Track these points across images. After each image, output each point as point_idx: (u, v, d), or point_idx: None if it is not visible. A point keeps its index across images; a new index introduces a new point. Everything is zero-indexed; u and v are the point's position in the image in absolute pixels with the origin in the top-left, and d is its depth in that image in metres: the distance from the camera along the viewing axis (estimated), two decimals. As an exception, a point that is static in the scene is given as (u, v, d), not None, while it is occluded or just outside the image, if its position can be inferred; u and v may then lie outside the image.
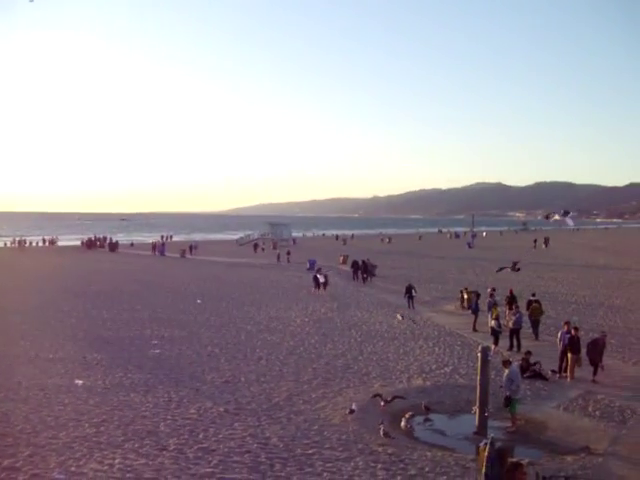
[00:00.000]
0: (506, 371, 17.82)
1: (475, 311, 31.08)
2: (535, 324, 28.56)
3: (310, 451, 14.86)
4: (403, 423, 17.26)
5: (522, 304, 29.78)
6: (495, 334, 26.77)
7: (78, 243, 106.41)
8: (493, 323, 27.06)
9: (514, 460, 9.84)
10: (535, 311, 28.84)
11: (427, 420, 18.50)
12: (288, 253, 73.50)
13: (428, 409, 18.79)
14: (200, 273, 60.01)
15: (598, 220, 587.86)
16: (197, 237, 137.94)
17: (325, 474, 13.46)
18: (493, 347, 25.29)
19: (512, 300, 30.88)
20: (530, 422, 17.92)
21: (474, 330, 30.07)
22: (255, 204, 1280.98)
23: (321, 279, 44.66)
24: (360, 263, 53.59)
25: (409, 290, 38.31)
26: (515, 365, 18.71)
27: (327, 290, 44.12)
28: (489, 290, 32.70)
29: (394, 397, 18.84)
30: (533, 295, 31.21)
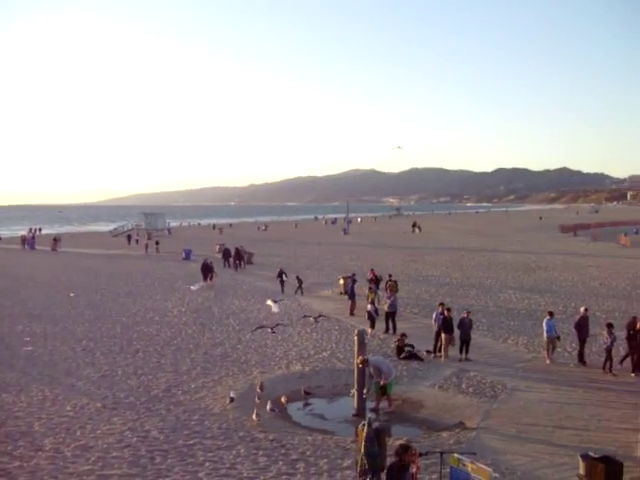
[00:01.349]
0: (372, 358, 18.14)
1: (352, 296, 31.60)
2: None
3: (191, 442, 14.75)
4: (269, 406, 17.28)
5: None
6: (371, 318, 27.28)
7: None
8: (369, 307, 27.58)
9: (403, 442, 10.06)
10: (392, 288, 31.87)
11: (307, 405, 18.73)
12: (157, 243, 71.80)
13: (308, 393, 19.02)
14: (73, 266, 58.19)
15: (469, 204, 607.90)
16: (69, 229, 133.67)
17: (207, 464, 13.41)
18: (369, 330, 25.77)
19: (377, 282, 34.32)
20: (407, 402, 18.39)
21: (351, 314, 30.58)
22: (130, 194, 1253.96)
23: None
24: (233, 251, 53.52)
25: (280, 275, 39.41)
26: (374, 356, 18.94)
27: (214, 281, 43.53)
28: (370, 275, 33.78)
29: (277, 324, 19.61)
30: (390, 276, 35.04)
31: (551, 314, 22.86)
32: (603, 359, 21.11)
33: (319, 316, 20.30)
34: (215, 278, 43.31)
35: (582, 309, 23.39)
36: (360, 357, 17.27)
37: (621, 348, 22.11)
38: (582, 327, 22.38)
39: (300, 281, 38.56)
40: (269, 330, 20.40)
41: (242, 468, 13.22)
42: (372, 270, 37.30)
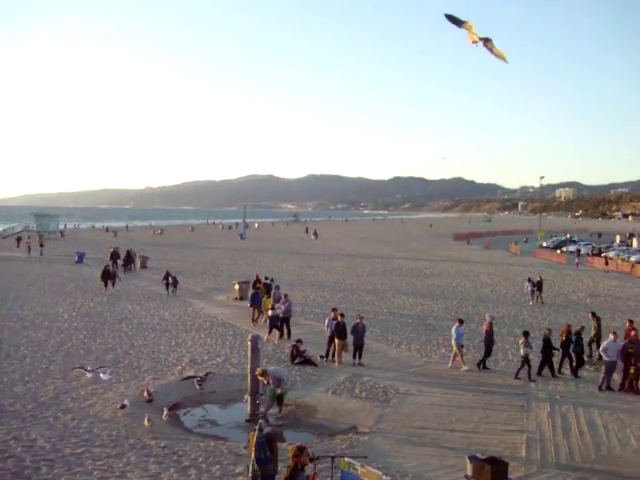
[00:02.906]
0: (271, 368, 18.17)
1: (256, 303, 31.14)
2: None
3: (79, 450, 14.30)
4: (165, 413, 17.10)
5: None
6: (272, 323, 27.18)
7: None
8: (271, 312, 27.48)
9: (299, 444, 10.05)
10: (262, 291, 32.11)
11: (202, 381, 19.18)
12: (41, 245, 68.77)
13: (202, 380, 19.01)
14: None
15: (366, 212, 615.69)
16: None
17: (96, 472, 13.02)
18: (266, 336, 25.72)
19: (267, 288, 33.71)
20: (301, 407, 18.42)
21: (253, 321, 30.16)
22: (21, 194, 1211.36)
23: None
24: (125, 254, 52.89)
25: (167, 277, 40.11)
26: (272, 367, 18.97)
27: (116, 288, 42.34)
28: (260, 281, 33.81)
29: (206, 374, 19.83)
30: (272, 280, 36.05)
31: (461, 321, 23.25)
32: (518, 366, 21.84)
33: (206, 374, 19.71)
34: (117, 285, 41.77)
35: (487, 316, 24.03)
36: (259, 369, 17.24)
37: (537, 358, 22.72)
38: (488, 335, 22.94)
39: (175, 281, 39.89)
40: (196, 381, 19.88)
41: (132, 476, 12.91)
42: (257, 275, 37.03)
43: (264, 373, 17.52)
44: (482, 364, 22.65)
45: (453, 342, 22.75)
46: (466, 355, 24.15)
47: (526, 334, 22.05)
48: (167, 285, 39.97)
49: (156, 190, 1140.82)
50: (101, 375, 19.44)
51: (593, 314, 25.89)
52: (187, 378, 19.95)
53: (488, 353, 22.81)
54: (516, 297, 40.91)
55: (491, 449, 14.09)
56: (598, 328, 24.88)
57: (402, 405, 18.39)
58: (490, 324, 23.18)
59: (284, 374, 18.32)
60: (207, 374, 20.11)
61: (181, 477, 12.95)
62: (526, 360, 21.53)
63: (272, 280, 35.81)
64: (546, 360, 21.77)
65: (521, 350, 21.82)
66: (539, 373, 21.76)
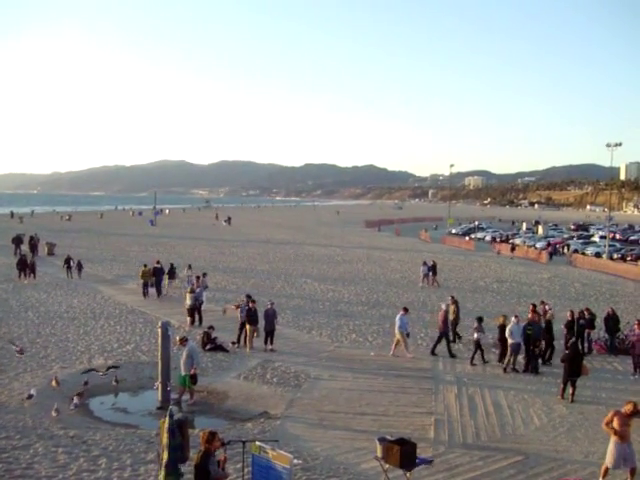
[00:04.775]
0: (184, 349, 17.99)
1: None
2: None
3: (-17, 442, 13.95)
4: (75, 401, 16.83)
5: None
6: (190, 311, 26.95)
7: None
8: (189, 299, 27.10)
9: (210, 430, 10.04)
10: (142, 275, 33.95)
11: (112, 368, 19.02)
12: None
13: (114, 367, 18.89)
14: None
15: (278, 198, 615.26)
16: None
17: (0, 465, 12.72)
18: (176, 324, 25.50)
19: (172, 272, 35.63)
20: (212, 393, 18.39)
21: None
22: None
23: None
24: (29, 239, 51.63)
25: (68, 261, 40.35)
26: (192, 342, 18.99)
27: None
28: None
29: (108, 368, 19.27)
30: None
31: (406, 310, 23.41)
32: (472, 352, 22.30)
33: (109, 368, 19.43)
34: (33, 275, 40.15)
35: (443, 305, 24.30)
36: (181, 337, 17.23)
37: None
38: (446, 322, 23.26)
39: (80, 265, 40.68)
40: (100, 374, 19.46)
41: (40, 467, 12.62)
42: (157, 261, 36.25)
43: (184, 340, 17.67)
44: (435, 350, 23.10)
45: (397, 330, 22.85)
46: (376, 340, 24.60)
47: (480, 320, 22.49)
48: (68, 269, 40.17)
49: (64, 175, 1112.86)
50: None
51: (451, 296, 26.73)
52: (90, 370, 19.38)
53: (445, 339, 23.20)
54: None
55: (400, 431, 14.39)
56: (457, 312, 25.32)
57: (313, 390, 18.58)
58: (445, 312, 23.55)
59: (198, 355, 18.28)
60: (109, 367, 19.60)
61: (91, 467, 12.75)
62: (478, 345, 22.05)
63: (165, 264, 36.29)
64: (505, 348, 21.91)
65: (474, 335, 22.23)
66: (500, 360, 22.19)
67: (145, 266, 34.64)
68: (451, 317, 24.74)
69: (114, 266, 46.35)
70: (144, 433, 14.90)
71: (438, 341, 23.18)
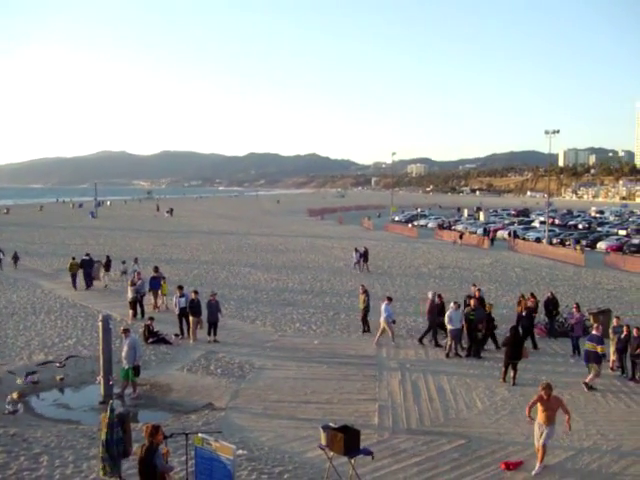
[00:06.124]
0: (126, 341, 17.73)
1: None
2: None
3: None
4: (13, 396, 16.47)
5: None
6: (133, 304, 26.61)
7: None
8: (130, 292, 26.76)
9: (153, 424, 9.94)
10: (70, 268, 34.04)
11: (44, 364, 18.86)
12: None
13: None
14: None
15: (221, 188, 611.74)
16: None
17: None
18: (118, 317, 25.21)
19: (107, 265, 35.44)
20: (156, 386, 18.18)
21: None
22: None
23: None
24: None
25: None
26: (134, 334, 18.76)
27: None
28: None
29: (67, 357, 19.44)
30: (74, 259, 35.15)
31: (390, 299, 23.42)
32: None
33: (67, 358, 19.30)
34: None
35: (430, 294, 24.27)
36: (124, 327, 17.08)
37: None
38: (432, 311, 23.16)
39: (16, 256, 41.49)
40: (57, 365, 19.19)
41: (-22, 468, 12.39)
42: (87, 253, 36.41)
43: (126, 331, 17.60)
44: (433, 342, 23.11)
45: (382, 319, 22.85)
46: (320, 328, 24.68)
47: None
48: None
49: (4, 167, 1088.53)
50: None
51: (362, 285, 26.76)
52: (46, 363, 19.15)
53: (431, 328, 23.22)
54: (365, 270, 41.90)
55: (345, 418, 14.45)
56: (367, 301, 25.34)
57: (258, 380, 18.53)
58: (432, 301, 23.59)
59: (140, 348, 18.07)
60: (68, 358, 19.48)
61: (32, 465, 12.52)
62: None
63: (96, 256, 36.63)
64: (469, 333, 21.96)
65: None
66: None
67: (73, 259, 34.36)
68: (361, 306, 25.05)
69: (54, 260, 45.54)
70: (86, 429, 14.66)
71: (427, 330, 23.31)
